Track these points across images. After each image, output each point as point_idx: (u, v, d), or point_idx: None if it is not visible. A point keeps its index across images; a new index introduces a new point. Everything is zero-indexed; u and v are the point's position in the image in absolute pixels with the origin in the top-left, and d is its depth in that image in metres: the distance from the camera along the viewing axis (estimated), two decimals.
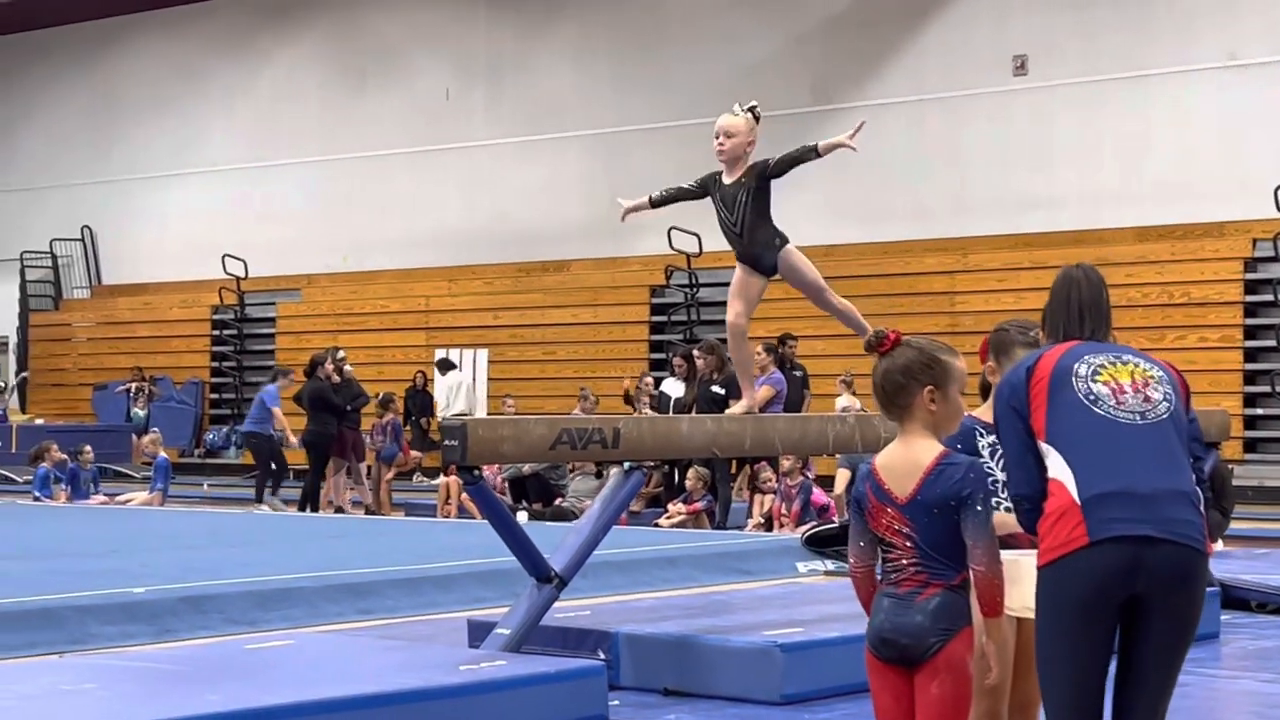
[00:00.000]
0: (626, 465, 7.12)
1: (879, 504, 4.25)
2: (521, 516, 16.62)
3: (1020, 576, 4.25)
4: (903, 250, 22.17)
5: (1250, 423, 19.47)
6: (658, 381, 18.37)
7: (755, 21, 23.59)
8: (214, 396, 28.25)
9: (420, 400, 23.64)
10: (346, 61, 27.76)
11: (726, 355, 16.43)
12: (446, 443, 6.40)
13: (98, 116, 30.52)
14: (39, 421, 27.71)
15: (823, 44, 23.11)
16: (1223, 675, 7.84)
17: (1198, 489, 4.14)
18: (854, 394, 18.61)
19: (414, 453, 21.26)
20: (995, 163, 21.86)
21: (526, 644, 6.75)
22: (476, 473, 6.54)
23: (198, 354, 28.41)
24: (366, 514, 18.76)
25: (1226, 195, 20.15)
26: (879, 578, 4.30)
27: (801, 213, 22.08)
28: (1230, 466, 15.88)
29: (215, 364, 28.27)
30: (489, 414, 22.88)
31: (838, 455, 14.94)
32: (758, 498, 15.94)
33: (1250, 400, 19.57)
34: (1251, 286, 19.77)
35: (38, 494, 19.18)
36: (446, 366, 23.42)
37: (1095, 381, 4.20)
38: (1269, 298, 19.55)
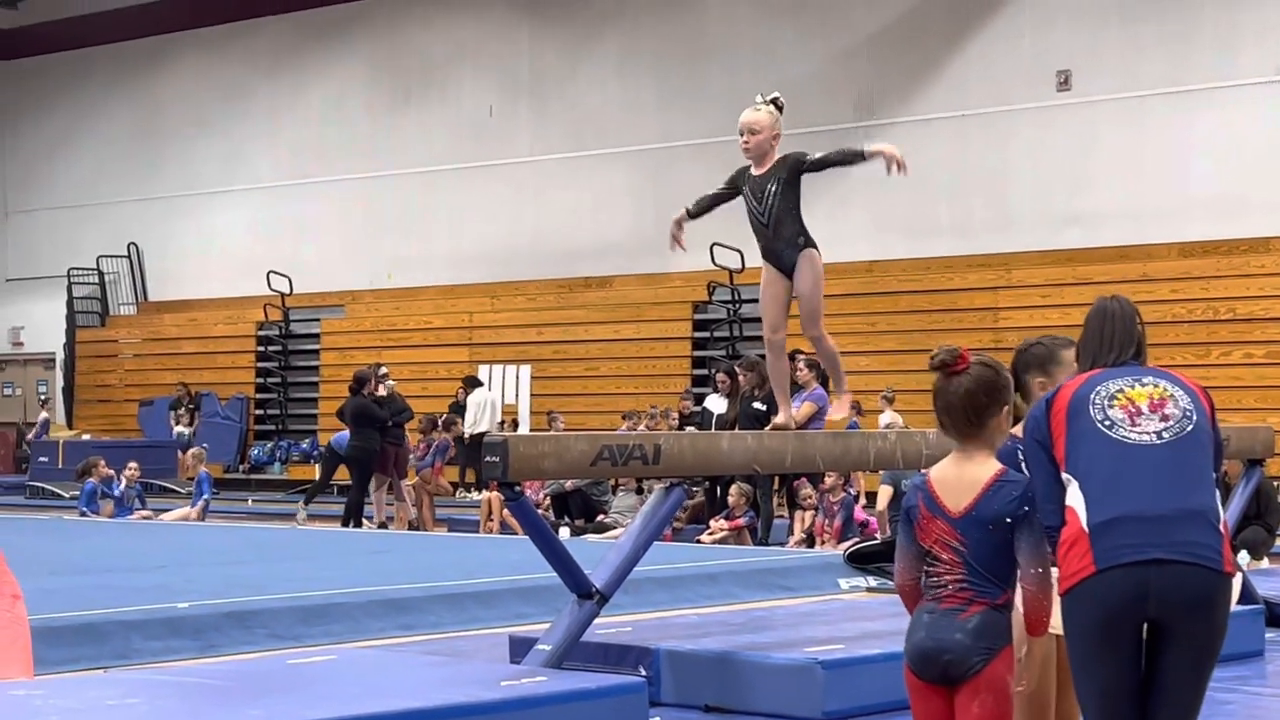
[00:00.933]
0: (667, 482, 7.12)
1: (930, 515, 4.24)
2: (563, 533, 16.65)
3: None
4: (945, 266, 22.12)
5: None
6: (700, 398, 18.36)
7: (798, 37, 23.60)
8: (259, 412, 28.36)
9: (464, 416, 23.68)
10: (391, 79, 27.88)
11: (769, 376, 16.43)
12: (488, 459, 6.42)
13: (143, 135, 30.72)
14: (85, 437, 27.87)
15: (866, 59, 23.10)
16: (1267, 694, 7.79)
17: (1218, 507, 4.12)
18: (896, 410, 18.60)
19: (442, 481, 21.23)
20: (1039, 178, 21.79)
21: (568, 660, 6.76)
22: (517, 489, 6.56)
23: (243, 370, 28.53)
24: (410, 529, 18.80)
25: (1272, 210, 20.04)
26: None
27: (845, 228, 22.15)
28: (1276, 483, 15.81)
29: (260, 380, 28.38)
30: (531, 430, 22.91)
31: (880, 472, 14.90)
32: (799, 514, 15.92)
33: None
34: None
35: (84, 509, 19.28)
36: (473, 384, 23.42)
37: (1111, 407, 4.20)
38: None
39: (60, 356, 31.27)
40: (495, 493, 16.96)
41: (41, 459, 26.71)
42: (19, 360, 32.49)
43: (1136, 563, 4.02)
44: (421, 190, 27.35)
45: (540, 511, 17.20)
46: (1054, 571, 4.24)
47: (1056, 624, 4.30)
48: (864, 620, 8.25)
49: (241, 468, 27.57)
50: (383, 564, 12.41)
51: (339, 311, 27.89)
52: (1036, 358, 5.11)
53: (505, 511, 16.58)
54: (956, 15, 22.55)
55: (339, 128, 28.29)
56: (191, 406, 27.86)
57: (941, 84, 22.67)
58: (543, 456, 6.61)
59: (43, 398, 28.94)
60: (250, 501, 24.31)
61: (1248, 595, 8.58)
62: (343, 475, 19.46)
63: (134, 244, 30.66)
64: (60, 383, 31.21)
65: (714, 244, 22.25)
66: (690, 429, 16.31)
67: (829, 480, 15.25)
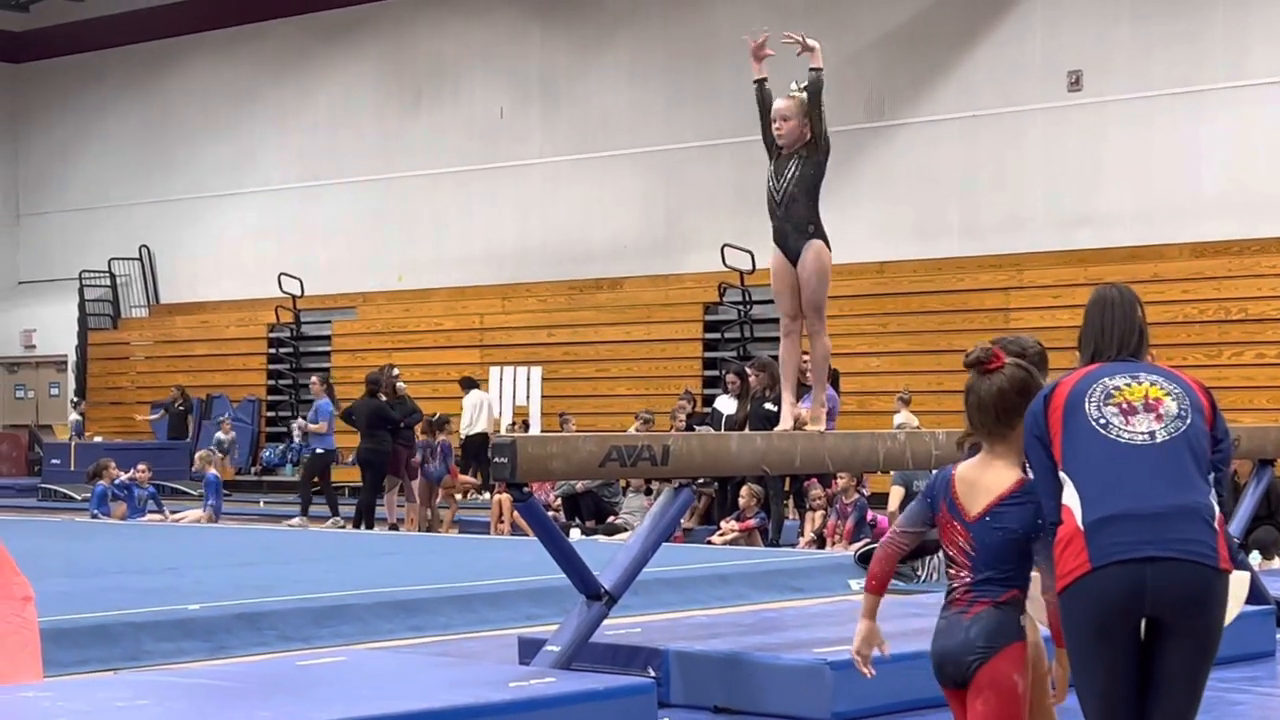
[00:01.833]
0: (676, 483, 7.12)
1: (949, 517, 4.25)
2: (574, 534, 16.66)
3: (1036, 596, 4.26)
4: (956, 267, 22.11)
5: None
6: (710, 399, 18.35)
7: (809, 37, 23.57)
8: (270, 414, 28.39)
9: None
10: (401, 81, 27.90)
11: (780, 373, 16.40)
12: (496, 460, 6.42)
13: (154, 137, 30.77)
14: (97, 439, 27.90)
15: (877, 60, 23.08)
16: (1278, 694, 7.77)
17: (1213, 504, 4.12)
18: (911, 410, 18.58)
19: (463, 477, 21.18)
20: (1050, 179, 21.76)
21: (577, 661, 6.76)
22: (526, 490, 6.56)
23: (254, 372, 28.56)
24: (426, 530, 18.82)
25: None
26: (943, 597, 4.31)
27: (855, 229, 22.13)
28: None
29: (271, 382, 28.40)
30: (542, 431, 22.92)
31: (892, 472, 14.89)
32: (810, 515, 15.90)
33: None
34: None
35: (95, 511, 19.31)
36: (469, 385, 23.37)
37: (1107, 405, 4.19)
38: None
39: (72, 359, 31.32)
40: (505, 494, 16.96)
41: (54, 461, 26.76)
42: (31, 363, 32.56)
43: (1131, 560, 4.02)
44: (432, 192, 27.37)
45: (551, 513, 17.23)
46: None
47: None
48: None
49: (253, 469, 27.59)
50: (393, 566, 12.44)
51: (350, 313, 27.91)
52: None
53: (515, 513, 16.59)
54: (967, 16, 22.53)
55: (349, 130, 28.32)
56: (182, 408, 27.86)
57: (952, 85, 22.65)
58: (551, 457, 6.62)
59: (75, 400, 28.84)
60: (262, 503, 24.32)
61: (1258, 595, 8.56)
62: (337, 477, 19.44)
63: (145, 246, 30.72)
64: (72, 385, 31.26)
65: (725, 245, 22.27)
66: (706, 428, 16.30)
67: (841, 481, 15.23)
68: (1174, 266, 20.15)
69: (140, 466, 20.20)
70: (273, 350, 28.43)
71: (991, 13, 22.32)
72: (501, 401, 24.72)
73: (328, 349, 27.82)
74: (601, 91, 25.81)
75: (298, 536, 16.74)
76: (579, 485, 17.88)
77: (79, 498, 22.95)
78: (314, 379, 20.96)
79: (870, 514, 15.25)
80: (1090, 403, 4.21)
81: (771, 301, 23.52)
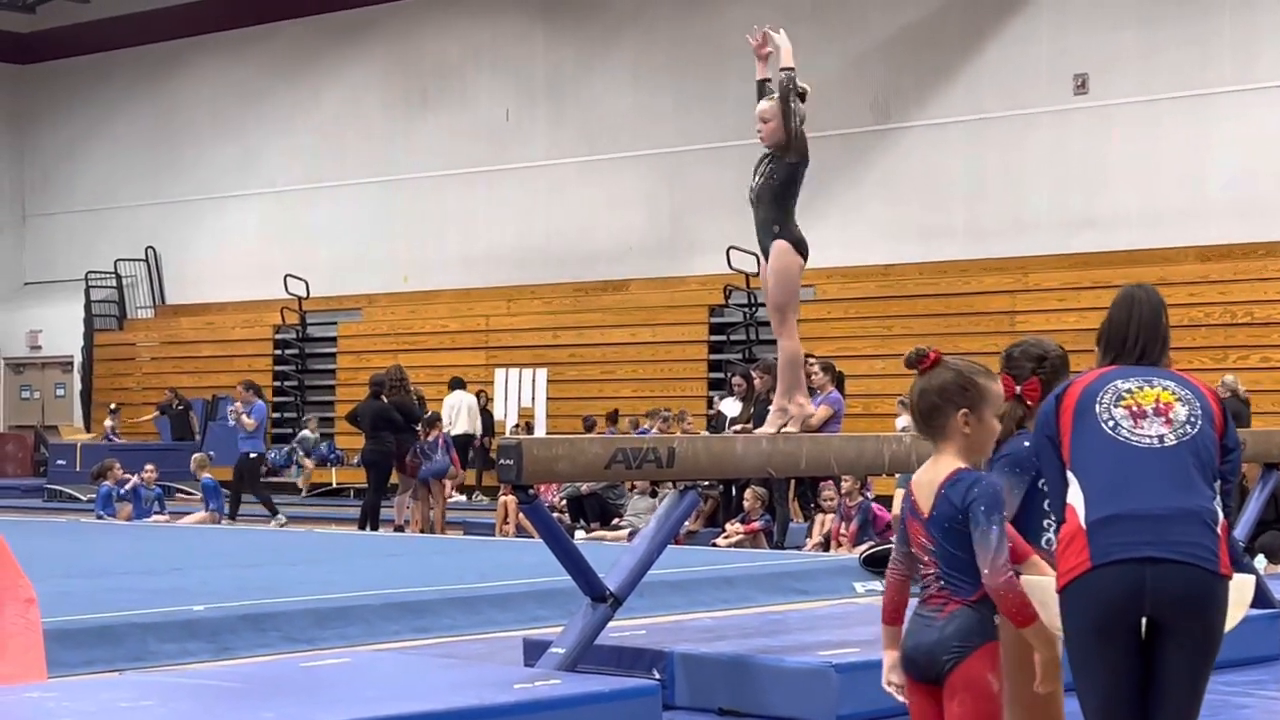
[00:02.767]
0: (681, 485, 7.12)
1: (911, 519, 4.32)
2: (579, 535, 16.66)
3: (1047, 601, 4.26)
4: (961, 270, 22.10)
5: None
6: (711, 401, 18.36)
7: (815, 40, 23.51)
8: (275, 415, 28.38)
9: (483, 419, 23.72)
10: (407, 82, 27.91)
11: None
12: (502, 462, 6.42)
13: (160, 138, 30.79)
14: (103, 441, 27.91)
15: (882, 63, 23.07)
16: None
17: (1216, 509, 4.12)
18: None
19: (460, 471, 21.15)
20: (1055, 182, 21.76)
21: (582, 663, 6.76)
22: (531, 492, 6.56)
23: (260, 373, 28.47)
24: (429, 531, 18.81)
25: None
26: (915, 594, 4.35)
27: (860, 232, 22.17)
28: None
29: (277, 383, 28.41)
30: (548, 433, 22.92)
31: (897, 475, 14.89)
32: (820, 517, 15.89)
33: None
34: None
35: (100, 512, 19.33)
36: (455, 385, 23.40)
37: (1118, 407, 4.20)
38: None
39: (78, 360, 31.33)
40: (511, 496, 16.95)
41: (59, 462, 26.77)
42: (37, 363, 32.58)
43: (1131, 559, 4.04)
44: (438, 194, 27.38)
45: (556, 514, 17.22)
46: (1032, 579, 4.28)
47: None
48: (878, 624, 8.21)
49: None
50: (398, 567, 12.44)
51: (355, 315, 27.93)
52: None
53: (520, 514, 16.58)
54: (973, 19, 22.52)
55: (356, 131, 28.33)
56: (180, 409, 27.84)
57: (958, 87, 22.64)
58: (556, 459, 6.62)
59: (112, 407, 28.69)
60: None
61: (1264, 599, 8.55)
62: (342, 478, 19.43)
63: (151, 247, 30.74)
64: (78, 386, 31.28)
65: (730, 248, 22.24)
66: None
67: (846, 484, 15.24)
68: (1180, 270, 20.13)
69: (149, 468, 20.21)
70: (278, 352, 28.44)
71: (997, 16, 22.32)
72: (507, 403, 24.75)
73: (333, 350, 27.83)
74: (607, 93, 25.82)
75: (304, 538, 16.75)
76: (584, 487, 17.88)
77: (84, 499, 22.97)
78: (238, 386, 20.87)
79: (884, 515, 15.25)
80: (1101, 405, 4.22)
81: None
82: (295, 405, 28.11)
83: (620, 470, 6.81)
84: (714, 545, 15.55)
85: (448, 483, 19.25)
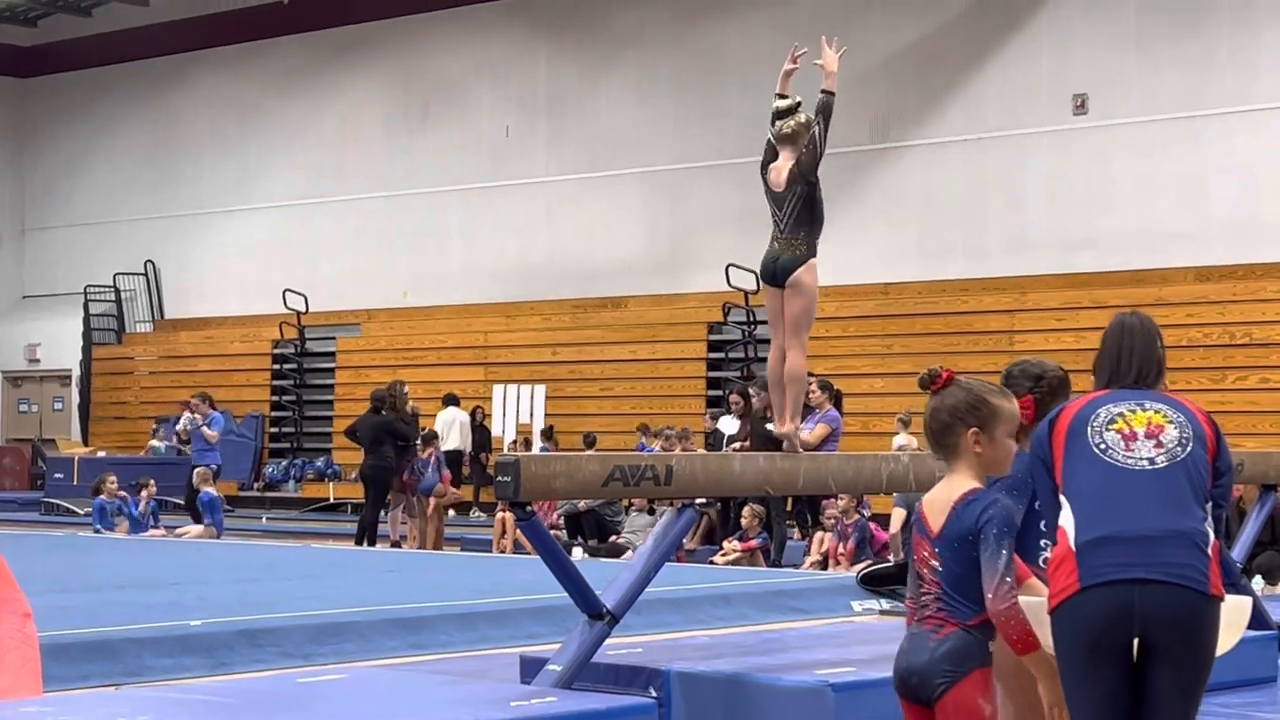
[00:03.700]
0: (679, 503, 7.12)
1: (919, 537, 4.31)
2: (576, 553, 16.64)
3: (1039, 621, 4.26)
4: (960, 289, 22.12)
5: None
6: (714, 419, 18.35)
7: (814, 59, 23.59)
8: (274, 430, 28.39)
9: (479, 436, 23.72)
10: (408, 98, 27.94)
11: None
12: (499, 479, 6.42)
13: (160, 152, 30.82)
14: (100, 454, 27.90)
15: (883, 81, 23.10)
16: None
17: (1207, 530, 4.13)
18: (911, 433, 18.57)
19: (453, 490, 21.12)
20: (1054, 202, 21.78)
21: (578, 681, 6.74)
22: (529, 508, 6.55)
23: (258, 388, 28.57)
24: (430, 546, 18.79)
25: None
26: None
27: (860, 251, 22.17)
28: None
29: (275, 398, 28.42)
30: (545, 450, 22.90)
31: (894, 494, 14.90)
32: (820, 535, 15.88)
33: None
34: None
35: (98, 526, 19.31)
36: (449, 401, 23.42)
37: (1109, 430, 4.22)
38: None
39: (76, 373, 31.33)
40: (508, 512, 16.92)
41: (56, 475, 26.74)
42: (35, 377, 32.58)
43: (1120, 581, 4.04)
44: (437, 209, 27.40)
45: (553, 531, 17.22)
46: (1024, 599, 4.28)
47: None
48: (875, 643, 8.21)
49: (256, 485, 27.59)
50: (395, 583, 12.42)
51: (354, 330, 27.93)
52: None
53: (518, 531, 16.57)
54: (973, 38, 22.57)
55: (355, 146, 28.36)
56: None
57: (958, 107, 22.68)
58: (554, 476, 6.61)
59: (155, 427, 28.57)
60: (265, 520, 24.32)
61: (1261, 620, 8.54)
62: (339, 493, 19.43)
63: (151, 261, 30.75)
64: (76, 399, 31.28)
65: (729, 265, 22.28)
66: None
67: (842, 502, 15.24)
68: (1178, 290, 20.15)
69: (150, 482, 20.19)
70: (277, 366, 28.44)
71: (998, 35, 22.36)
72: (505, 420, 24.75)
73: (332, 365, 27.84)
74: (608, 111, 25.85)
75: (301, 553, 16.72)
76: (581, 504, 17.87)
77: (82, 512, 22.94)
78: (193, 399, 20.85)
79: (874, 527, 15.26)
80: (1093, 428, 4.24)
81: None
82: (294, 420, 28.10)
83: (618, 488, 6.80)
84: (711, 563, 15.54)
85: (432, 500, 19.23)
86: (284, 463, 27.48)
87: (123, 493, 19.81)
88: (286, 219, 29.12)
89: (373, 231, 27.99)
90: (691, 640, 9.02)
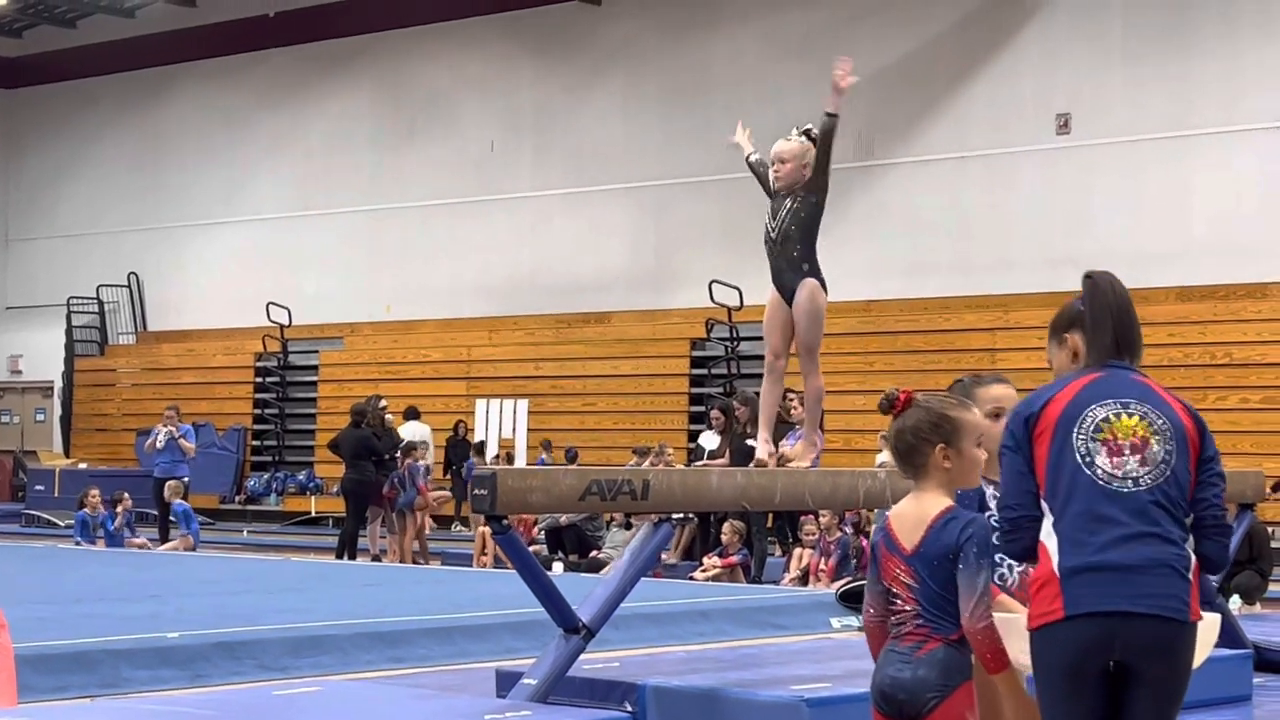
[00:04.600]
0: (655, 518, 7.13)
1: (888, 554, 4.30)
2: (557, 568, 16.64)
3: (1010, 634, 4.26)
4: (943, 306, 22.16)
5: None
6: (694, 435, 18.38)
7: (801, 76, 23.63)
8: (255, 444, 28.36)
9: (461, 449, 23.71)
10: (394, 112, 27.96)
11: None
12: (475, 492, 6.42)
13: (145, 164, 30.80)
14: (82, 466, 27.86)
15: (868, 99, 23.11)
16: None
17: (1188, 554, 4.13)
18: None
19: (433, 494, 21.07)
20: (1037, 220, 21.83)
21: (553, 694, 6.74)
22: (505, 522, 6.56)
23: (240, 401, 28.55)
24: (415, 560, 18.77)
25: (1270, 255, 20.09)
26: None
27: (843, 268, 22.12)
28: (1270, 529, 15.81)
29: (258, 411, 28.39)
30: (528, 465, 22.91)
31: (875, 510, 14.91)
32: (799, 551, 15.89)
33: None
34: None
35: (79, 539, 19.28)
36: (410, 415, 23.33)
37: (1095, 440, 4.19)
38: None
39: (59, 385, 31.29)
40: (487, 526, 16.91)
41: (38, 487, 26.70)
42: (17, 388, 32.52)
43: (1103, 612, 4.05)
44: (422, 223, 27.41)
45: (534, 546, 17.22)
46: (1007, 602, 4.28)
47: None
48: (852, 659, 8.22)
49: (237, 498, 27.55)
50: (375, 597, 12.40)
51: (337, 343, 27.92)
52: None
53: (498, 546, 16.54)
54: (958, 57, 22.63)
55: (340, 160, 28.36)
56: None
57: (942, 125, 22.74)
58: (530, 490, 6.61)
59: (138, 439, 28.41)
60: (245, 533, 24.30)
61: (1235, 639, 8.56)
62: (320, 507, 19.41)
63: (134, 273, 30.73)
64: (58, 411, 31.23)
65: (713, 281, 22.31)
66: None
67: (825, 519, 15.25)
68: (1160, 310, 20.18)
69: (125, 496, 20.15)
70: (259, 379, 28.42)
71: (982, 54, 22.43)
72: (488, 433, 24.74)
73: (314, 379, 27.82)
74: (593, 126, 25.88)
75: (281, 566, 16.71)
76: (563, 519, 17.88)
77: (63, 524, 22.91)
78: (167, 411, 20.82)
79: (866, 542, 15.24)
80: (1079, 435, 4.21)
81: (759, 339, 23.46)
82: (276, 433, 28.07)
83: (595, 502, 6.80)
84: (691, 579, 15.54)
85: (419, 514, 19.23)
86: (266, 476, 27.45)
87: (101, 507, 19.78)
88: (271, 232, 29.12)
89: (357, 245, 27.99)
90: (668, 655, 9.02)
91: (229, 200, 29.66)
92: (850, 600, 11.51)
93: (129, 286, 30.83)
